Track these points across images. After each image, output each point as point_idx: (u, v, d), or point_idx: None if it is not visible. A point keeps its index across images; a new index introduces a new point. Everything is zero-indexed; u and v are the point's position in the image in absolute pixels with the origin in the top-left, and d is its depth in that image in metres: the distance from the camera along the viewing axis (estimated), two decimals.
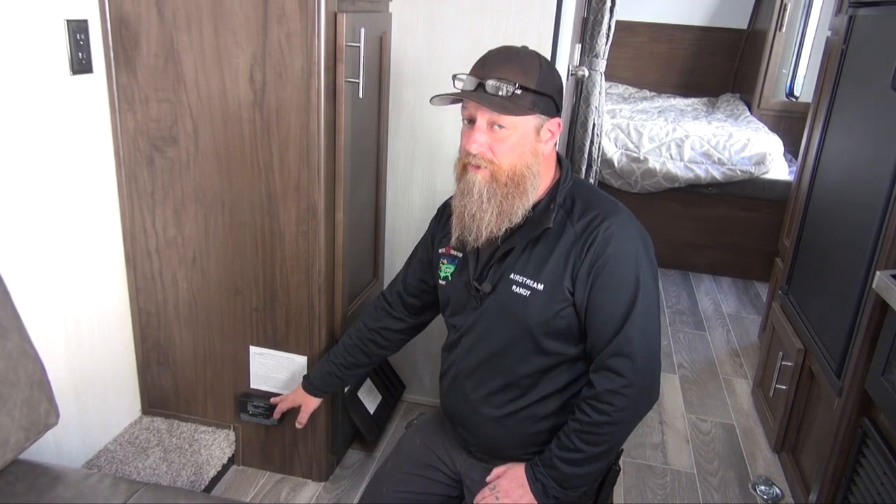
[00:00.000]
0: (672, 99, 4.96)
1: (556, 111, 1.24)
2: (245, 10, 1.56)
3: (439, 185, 2.12)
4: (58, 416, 1.30)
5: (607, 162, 3.70)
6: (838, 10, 2.43)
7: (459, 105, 1.25)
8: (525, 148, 1.21)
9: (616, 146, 3.73)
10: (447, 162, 2.08)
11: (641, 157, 3.68)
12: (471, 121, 1.22)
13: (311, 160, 1.65)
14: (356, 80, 1.66)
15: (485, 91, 1.18)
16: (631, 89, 5.15)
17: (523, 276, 1.25)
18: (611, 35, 2.90)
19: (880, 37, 1.87)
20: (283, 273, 1.77)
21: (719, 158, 3.62)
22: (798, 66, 4.61)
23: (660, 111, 4.41)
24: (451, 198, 1.47)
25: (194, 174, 1.73)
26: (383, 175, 2.03)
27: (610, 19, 2.83)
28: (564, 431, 1.26)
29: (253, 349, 1.87)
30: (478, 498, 1.32)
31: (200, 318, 1.88)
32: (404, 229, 2.20)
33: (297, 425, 1.72)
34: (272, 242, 1.75)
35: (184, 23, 1.61)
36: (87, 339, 1.76)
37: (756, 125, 4.01)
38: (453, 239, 1.30)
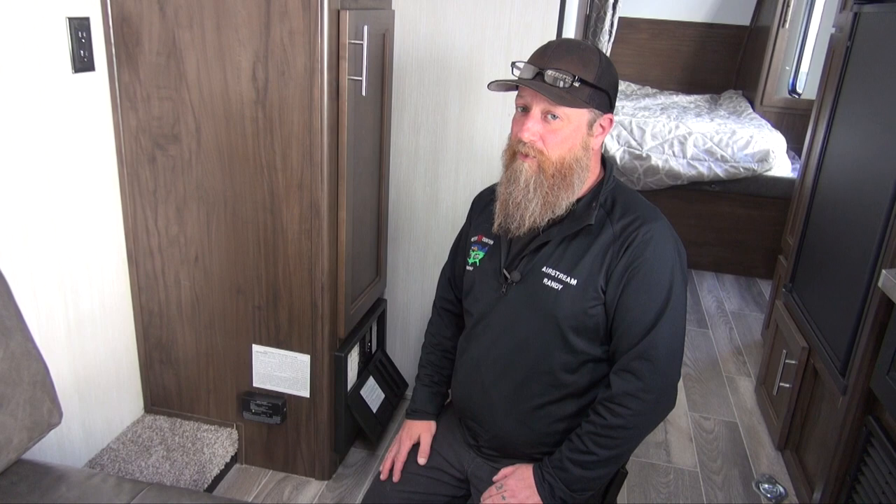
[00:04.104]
0: (674, 96, 4.95)
1: (609, 107, 1.25)
2: (247, 7, 1.56)
3: (442, 182, 2.11)
4: (61, 415, 1.30)
5: (609, 159, 3.69)
6: (843, 7, 2.42)
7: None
8: (576, 141, 1.21)
9: (618, 143, 3.72)
10: (450, 159, 2.08)
11: (644, 155, 3.67)
12: (525, 109, 1.22)
13: (313, 158, 1.64)
14: (359, 78, 1.66)
15: (543, 80, 1.18)
16: (633, 86, 5.14)
17: (556, 269, 1.25)
18: (613, 32, 2.90)
19: (886, 34, 1.86)
20: (285, 271, 1.77)
21: (722, 156, 3.61)
22: (801, 62, 4.59)
23: (662, 108, 4.40)
24: (484, 190, 1.48)
25: (196, 172, 1.73)
26: (386, 173, 2.03)
27: (612, 16, 2.83)
28: (577, 433, 1.26)
29: (256, 348, 1.87)
30: (484, 496, 1.31)
31: (203, 316, 1.87)
32: (407, 227, 2.19)
33: (422, 460, 1.44)
34: (275, 241, 1.75)
35: (186, 20, 1.60)
36: (89, 339, 1.76)
37: (759, 122, 4.00)
38: (495, 225, 1.29)
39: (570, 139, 1.20)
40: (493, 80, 1.24)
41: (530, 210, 1.22)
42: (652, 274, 1.21)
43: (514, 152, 1.24)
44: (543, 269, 1.26)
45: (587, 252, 1.24)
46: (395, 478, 1.44)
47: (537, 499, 1.26)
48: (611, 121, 1.26)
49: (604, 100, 1.22)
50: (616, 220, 1.24)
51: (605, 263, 1.22)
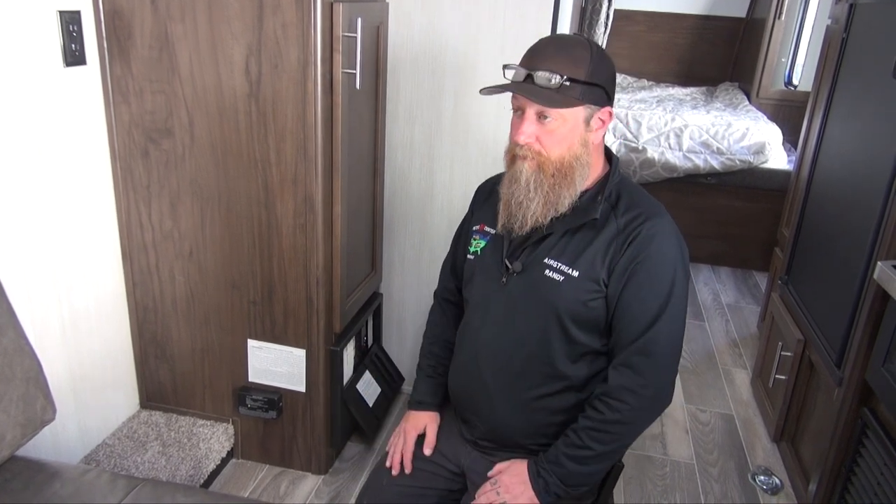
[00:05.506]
0: (670, 88, 4.94)
1: (607, 100, 1.24)
2: (240, 0, 1.55)
3: (437, 175, 2.11)
4: (55, 411, 1.30)
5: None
6: None
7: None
8: (574, 139, 1.21)
9: (614, 136, 3.71)
10: (445, 153, 2.07)
11: (640, 147, 3.66)
12: (520, 111, 1.22)
13: (307, 152, 1.63)
14: (353, 71, 1.65)
15: (533, 83, 1.18)
16: (629, 79, 5.12)
17: (559, 261, 1.25)
18: (609, 24, 2.88)
19: (882, 25, 1.85)
20: (280, 266, 1.76)
21: (718, 148, 3.60)
22: (797, 54, 4.59)
23: (658, 101, 4.39)
24: (487, 180, 1.47)
25: (190, 167, 1.72)
26: (381, 166, 2.02)
27: (608, 8, 2.82)
28: (573, 428, 1.26)
29: (251, 343, 1.87)
30: (479, 493, 1.31)
31: (198, 311, 1.87)
32: (402, 221, 2.19)
33: (428, 451, 1.44)
34: (269, 235, 1.74)
35: (178, 13, 1.59)
36: (84, 334, 1.75)
37: (755, 114, 3.99)
38: (499, 226, 1.30)
39: (568, 138, 1.20)
40: (485, 84, 1.24)
41: (532, 209, 1.22)
42: (654, 270, 1.21)
43: (514, 155, 1.24)
44: (545, 260, 1.26)
45: (590, 245, 1.24)
46: (407, 469, 1.43)
47: (531, 494, 1.26)
48: (610, 114, 1.25)
49: (599, 94, 1.21)
50: (620, 215, 1.24)
51: (609, 257, 1.23)
